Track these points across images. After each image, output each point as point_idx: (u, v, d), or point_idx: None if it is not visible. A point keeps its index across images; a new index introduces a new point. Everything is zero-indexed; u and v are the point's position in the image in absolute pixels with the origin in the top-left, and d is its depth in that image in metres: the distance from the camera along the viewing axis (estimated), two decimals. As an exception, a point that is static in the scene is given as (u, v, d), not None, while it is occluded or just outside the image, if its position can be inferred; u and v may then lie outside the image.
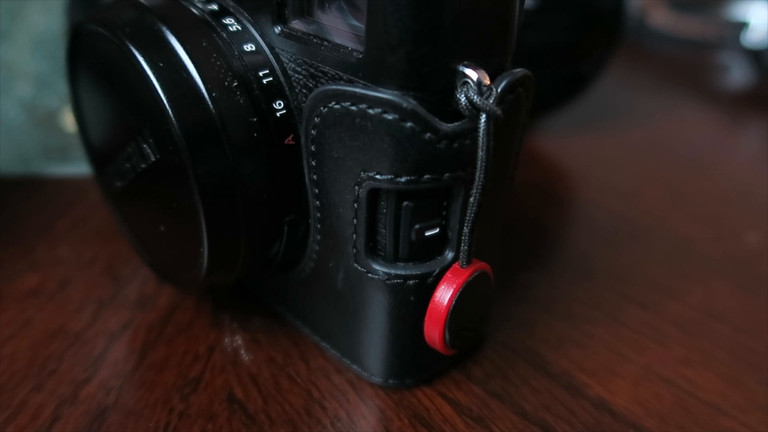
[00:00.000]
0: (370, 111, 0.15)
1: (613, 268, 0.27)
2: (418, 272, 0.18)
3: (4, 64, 0.33)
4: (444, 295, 0.18)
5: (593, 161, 0.38)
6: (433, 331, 0.18)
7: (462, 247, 0.17)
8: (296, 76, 0.18)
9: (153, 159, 0.19)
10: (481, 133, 0.15)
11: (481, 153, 0.15)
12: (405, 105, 0.15)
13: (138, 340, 0.22)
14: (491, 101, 0.15)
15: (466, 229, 0.17)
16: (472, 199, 0.16)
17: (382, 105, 0.15)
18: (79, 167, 0.33)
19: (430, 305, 0.18)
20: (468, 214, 0.16)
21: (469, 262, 0.18)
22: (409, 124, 0.15)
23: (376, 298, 0.18)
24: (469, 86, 0.15)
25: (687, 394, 0.21)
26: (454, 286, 0.18)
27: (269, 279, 0.23)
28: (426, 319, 0.18)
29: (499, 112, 0.15)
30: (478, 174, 0.16)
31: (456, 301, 0.18)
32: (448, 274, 0.18)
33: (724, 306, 0.25)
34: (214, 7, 0.19)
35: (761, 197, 0.34)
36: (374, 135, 0.16)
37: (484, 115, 0.15)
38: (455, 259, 0.18)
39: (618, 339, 0.23)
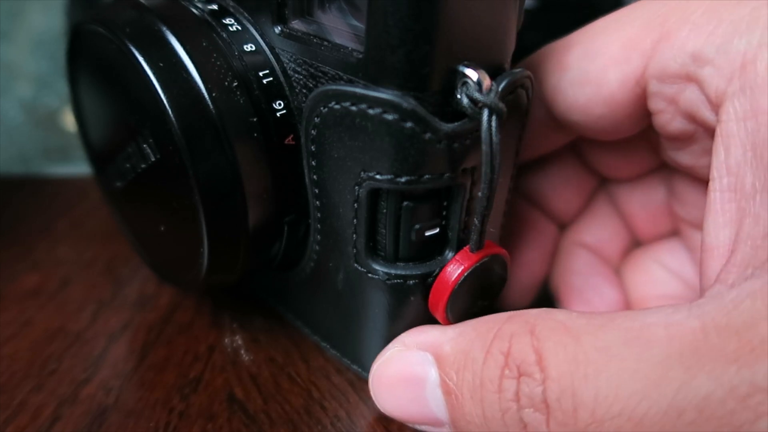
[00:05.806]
0: (370, 111, 0.15)
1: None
2: (418, 272, 0.18)
3: (4, 64, 0.34)
4: (452, 272, 0.17)
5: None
6: (435, 306, 0.18)
7: (473, 236, 0.17)
8: (296, 76, 0.18)
9: (153, 159, 0.19)
10: (484, 128, 0.15)
11: (485, 148, 0.15)
12: (405, 105, 0.15)
13: (138, 340, 0.22)
14: (492, 96, 0.15)
15: (476, 221, 0.17)
16: (481, 194, 0.16)
17: (382, 105, 0.15)
18: (79, 167, 0.33)
19: (436, 281, 0.18)
20: (478, 207, 0.16)
21: (480, 247, 0.17)
22: (409, 124, 0.15)
23: (376, 298, 0.18)
24: (469, 86, 0.15)
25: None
26: (463, 267, 0.17)
27: (269, 279, 0.23)
28: (431, 294, 0.18)
29: (501, 105, 0.15)
30: (484, 169, 0.15)
31: (463, 281, 0.17)
32: (457, 256, 0.18)
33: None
34: (214, 7, 0.19)
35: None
36: (374, 135, 0.16)
37: (486, 110, 0.15)
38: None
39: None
